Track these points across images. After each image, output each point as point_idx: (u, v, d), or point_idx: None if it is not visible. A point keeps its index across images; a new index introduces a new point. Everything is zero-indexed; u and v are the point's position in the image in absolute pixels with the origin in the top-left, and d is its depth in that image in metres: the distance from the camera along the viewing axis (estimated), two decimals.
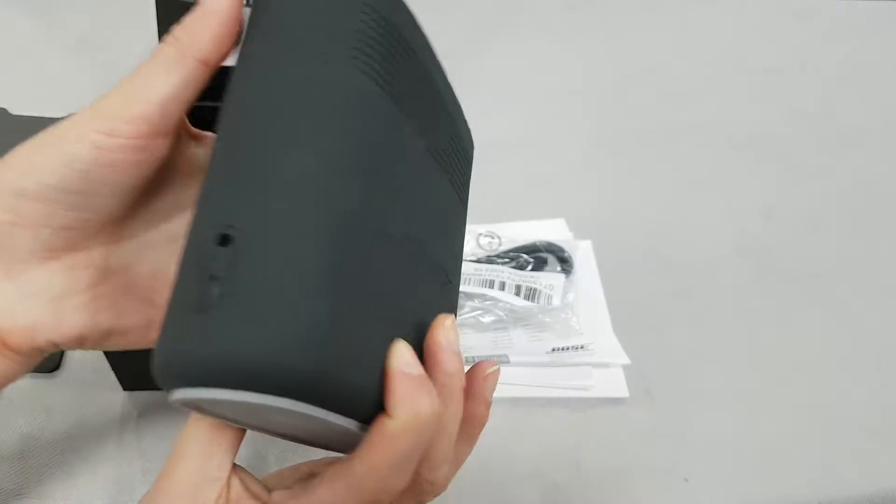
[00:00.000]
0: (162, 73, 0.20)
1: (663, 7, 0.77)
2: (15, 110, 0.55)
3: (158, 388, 0.20)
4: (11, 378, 0.23)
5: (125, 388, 0.43)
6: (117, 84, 0.20)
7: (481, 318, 0.48)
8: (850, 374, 0.49)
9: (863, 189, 0.62)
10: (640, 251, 0.54)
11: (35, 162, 0.20)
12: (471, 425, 0.25)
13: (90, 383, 0.43)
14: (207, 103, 0.39)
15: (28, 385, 0.43)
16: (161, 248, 0.24)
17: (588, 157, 0.61)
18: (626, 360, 0.47)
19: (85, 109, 0.20)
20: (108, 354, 0.39)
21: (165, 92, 0.20)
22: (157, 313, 0.20)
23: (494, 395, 0.26)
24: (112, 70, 0.61)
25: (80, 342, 0.23)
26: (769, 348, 0.50)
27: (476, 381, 0.24)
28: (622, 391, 0.46)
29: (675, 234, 0.56)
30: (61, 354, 0.44)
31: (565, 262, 0.51)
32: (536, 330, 0.48)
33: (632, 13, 0.76)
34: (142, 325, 0.24)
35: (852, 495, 0.43)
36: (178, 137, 0.23)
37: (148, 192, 0.23)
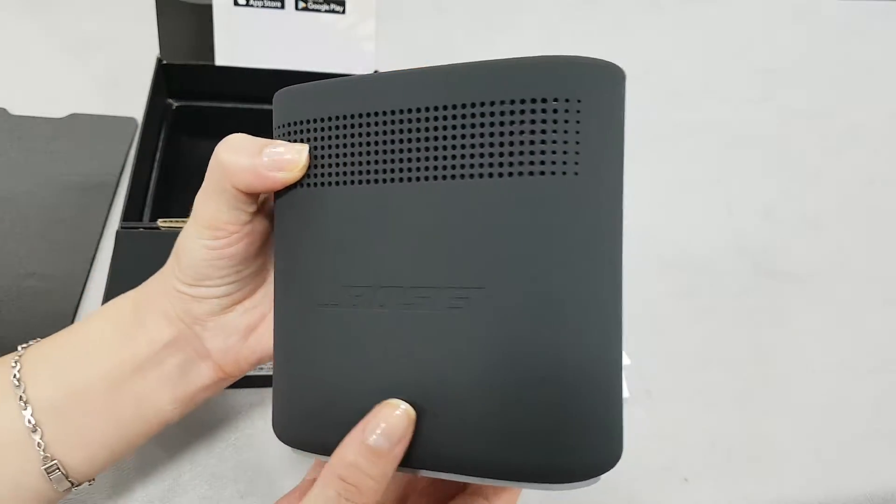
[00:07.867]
0: (213, 197, 0.28)
1: (663, 7, 0.77)
2: (15, 111, 0.55)
3: None
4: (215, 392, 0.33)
5: None
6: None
7: None
8: (850, 374, 0.49)
9: (862, 188, 0.62)
10: (640, 251, 0.54)
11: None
12: None
13: None
14: (199, 103, 0.54)
15: None
16: None
17: None
18: (627, 361, 0.47)
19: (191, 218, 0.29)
20: None
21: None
22: None
23: None
24: (112, 70, 0.61)
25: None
26: (769, 348, 0.50)
27: None
28: (622, 391, 0.46)
29: (675, 234, 0.56)
30: None
31: None
32: None
33: (632, 13, 0.76)
34: None
35: (852, 495, 0.44)
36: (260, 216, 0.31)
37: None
